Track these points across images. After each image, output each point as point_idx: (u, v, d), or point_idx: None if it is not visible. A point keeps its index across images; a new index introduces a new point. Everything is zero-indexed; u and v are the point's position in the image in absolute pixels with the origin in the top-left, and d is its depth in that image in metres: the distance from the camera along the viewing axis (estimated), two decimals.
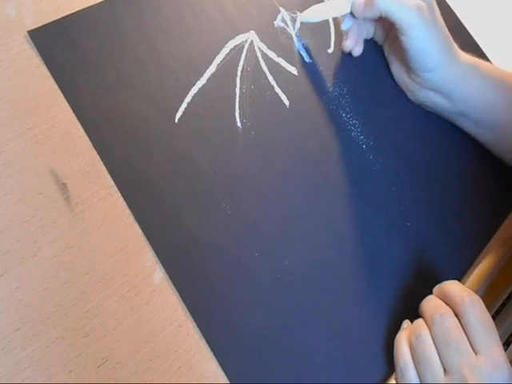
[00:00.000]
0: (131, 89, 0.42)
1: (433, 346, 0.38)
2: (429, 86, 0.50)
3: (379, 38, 0.54)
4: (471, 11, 0.63)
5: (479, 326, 0.37)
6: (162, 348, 0.37)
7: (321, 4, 0.49)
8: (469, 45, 0.60)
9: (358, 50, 0.51)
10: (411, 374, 0.39)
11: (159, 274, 0.38)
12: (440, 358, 0.38)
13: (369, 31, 0.52)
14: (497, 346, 0.37)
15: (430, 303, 0.41)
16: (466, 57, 0.50)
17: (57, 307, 0.35)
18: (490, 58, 0.62)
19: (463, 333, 0.37)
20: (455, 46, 0.50)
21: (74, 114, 0.39)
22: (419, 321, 0.40)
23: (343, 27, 0.49)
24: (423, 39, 0.46)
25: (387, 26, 0.50)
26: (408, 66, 0.50)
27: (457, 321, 0.38)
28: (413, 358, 0.39)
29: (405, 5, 0.44)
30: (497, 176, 0.54)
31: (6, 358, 0.33)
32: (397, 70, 0.53)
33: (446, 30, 0.48)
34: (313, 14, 0.49)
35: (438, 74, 0.48)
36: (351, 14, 0.48)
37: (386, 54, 0.54)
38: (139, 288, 0.37)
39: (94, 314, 0.35)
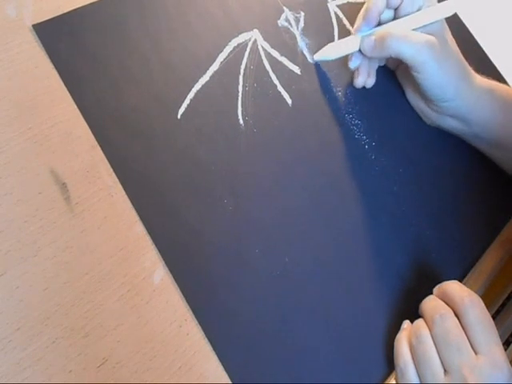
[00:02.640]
0: (134, 84, 0.42)
1: (433, 347, 0.38)
2: (446, 113, 0.49)
3: (391, 66, 0.54)
4: (486, 28, 0.63)
5: (479, 326, 0.37)
6: (162, 348, 0.37)
7: (334, 42, 0.49)
8: (485, 65, 0.60)
9: (370, 82, 0.50)
10: (411, 374, 0.39)
11: (159, 274, 0.38)
12: (440, 358, 0.38)
13: (380, 61, 0.52)
14: (497, 346, 0.37)
15: (430, 303, 0.41)
16: (482, 80, 0.50)
17: (57, 307, 0.35)
18: (505, 75, 0.62)
19: (463, 333, 0.38)
20: (471, 70, 0.49)
21: (74, 114, 0.39)
22: (419, 321, 0.41)
23: (351, 66, 0.49)
24: (437, 74, 0.45)
25: None
26: (424, 96, 0.49)
27: (457, 321, 0.38)
28: (413, 358, 0.39)
29: (415, 43, 0.44)
30: (499, 178, 0.54)
31: (5, 358, 0.32)
32: (412, 97, 0.52)
33: (461, 56, 0.48)
34: (327, 53, 0.48)
35: (455, 103, 0.48)
36: (359, 51, 0.47)
37: (399, 80, 0.54)
38: (139, 288, 0.37)
39: (93, 314, 0.35)
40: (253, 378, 0.38)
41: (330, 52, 0.48)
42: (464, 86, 0.48)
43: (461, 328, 0.38)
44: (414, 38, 0.44)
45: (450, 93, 0.47)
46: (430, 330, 0.39)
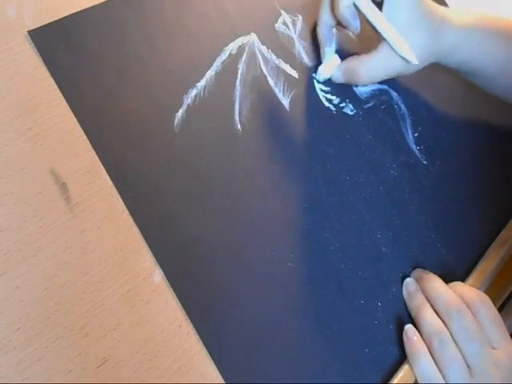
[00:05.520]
0: (131, 90, 0.42)
1: (456, 347, 0.38)
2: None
3: None
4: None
5: (492, 323, 0.38)
6: (162, 348, 0.37)
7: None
8: None
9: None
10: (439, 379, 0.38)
11: (159, 274, 0.38)
12: (462, 355, 0.38)
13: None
14: (509, 341, 0.38)
15: (446, 294, 0.41)
16: (460, 22, 0.46)
17: (57, 307, 0.35)
18: None
19: (482, 329, 0.38)
20: (439, 21, 0.45)
21: (74, 114, 0.39)
22: (434, 323, 0.40)
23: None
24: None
25: None
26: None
27: (473, 317, 0.39)
28: (435, 361, 0.39)
29: None
30: (499, 178, 0.54)
31: (5, 358, 0.32)
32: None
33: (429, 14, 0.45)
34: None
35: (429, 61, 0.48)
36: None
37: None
38: (139, 288, 0.37)
39: (93, 314, 0.35)
40: (250, 380, 0.38)
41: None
42: (433, 50, 0.46)
43: (478, 324, 0.38)
44: None
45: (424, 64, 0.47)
46: (446, 324, 0.39)
